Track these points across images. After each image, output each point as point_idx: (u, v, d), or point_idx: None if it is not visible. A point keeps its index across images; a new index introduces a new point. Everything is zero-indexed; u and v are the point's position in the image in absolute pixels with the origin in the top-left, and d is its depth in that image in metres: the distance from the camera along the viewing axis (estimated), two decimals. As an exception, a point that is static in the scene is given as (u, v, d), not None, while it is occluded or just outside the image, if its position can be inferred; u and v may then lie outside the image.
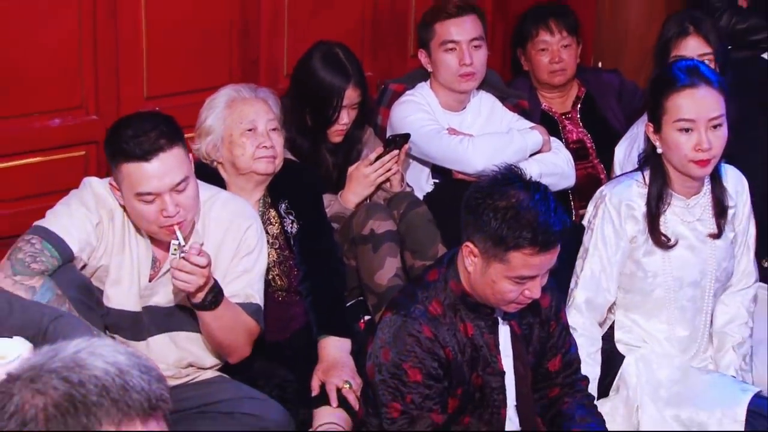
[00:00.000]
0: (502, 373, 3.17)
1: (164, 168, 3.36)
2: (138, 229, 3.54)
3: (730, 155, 4.03)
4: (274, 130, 3.94)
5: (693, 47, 4.22)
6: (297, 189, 4.03)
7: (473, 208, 3.04)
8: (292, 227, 3.97)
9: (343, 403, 3.71)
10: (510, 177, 3.06)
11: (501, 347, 3.18)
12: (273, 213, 3.99)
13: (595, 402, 3.43)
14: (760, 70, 4.80)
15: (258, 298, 3.61)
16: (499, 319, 3.17)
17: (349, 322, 3.98)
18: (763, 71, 4.86)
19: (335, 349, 3.82)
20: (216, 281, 3.41)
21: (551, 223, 2.97)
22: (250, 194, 3.96)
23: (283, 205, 3.98)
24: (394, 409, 3.08)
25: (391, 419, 3.09)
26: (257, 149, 3.88)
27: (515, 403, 3.22)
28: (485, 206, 3.00)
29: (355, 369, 3.77)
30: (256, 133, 3.89)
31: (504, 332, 3.19)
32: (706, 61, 4.22)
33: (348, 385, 3.72)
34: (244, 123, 3.88)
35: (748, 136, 4.32)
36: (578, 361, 3.41)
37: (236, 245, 3.60)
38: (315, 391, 3.75)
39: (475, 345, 3.13)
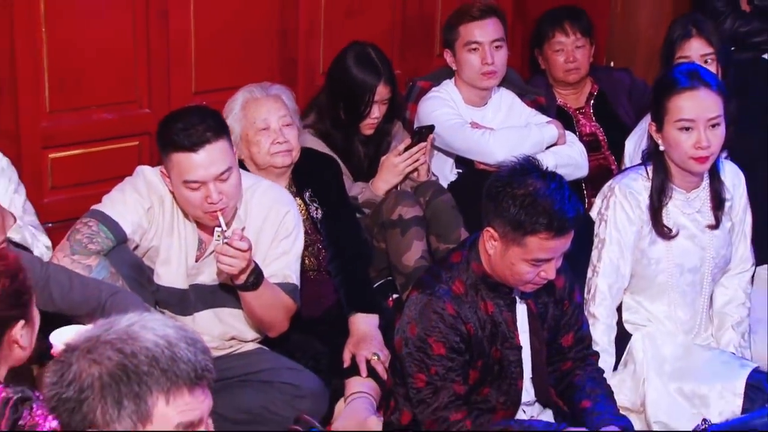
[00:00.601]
0: (519, 348, 3.18)
1: (210, 158, 3.37)
2: (185, 214, 3.56)
3: (731, 149, 4.02)
4: (287, 125, 3.92)
5: (696, 48, 4.20)
6: (319, 178, 4.03)
7: (493, 195, 3.04)
8: (316, 213, 3.98)
9: (372, 373, 3.72)
10: (528, 167, 3.06)
11: (518, 324, 3.18)
12: (299, 201, 3.99)
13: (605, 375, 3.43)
14: (762, 70, 4.76)
15: (294, 278, 3.62)
16: (517, 298, 3.18)
17: (376, 299, 3.99)
18: (765, 71, 4.83)
19: (364, 324, 3.83)
20: (256, 264, 3.42)
21: (566, 210, 2.97)
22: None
23: (308, 193, 3.99)
24: (420, 380, 3.08)
25: (416, 389, 3.10)
26: (272, 145, 3.89)
27: (531, 375, 3.23)
28: (505, 194, 3.00)
29: (382, 342, 3.79)
30: (270, 131, 3.89)
31: (521, 310, 3.19)
32: (709, 61, 4.20)
33: (376, 357, 3.73)
34: (257, 122, 3.88)
35: (750, 132, 4.30)
36: (589, 338, 3.41)
37: (275, 229, 3.61)
38: (346, 362, 3.76)
39: (495, 321, 3.13)
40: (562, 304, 3.27)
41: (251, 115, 3.88)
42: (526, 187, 2.99)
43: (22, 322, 2.52)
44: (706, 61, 4.21)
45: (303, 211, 3.98)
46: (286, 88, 4.09)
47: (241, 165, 3.89)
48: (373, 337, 3.81)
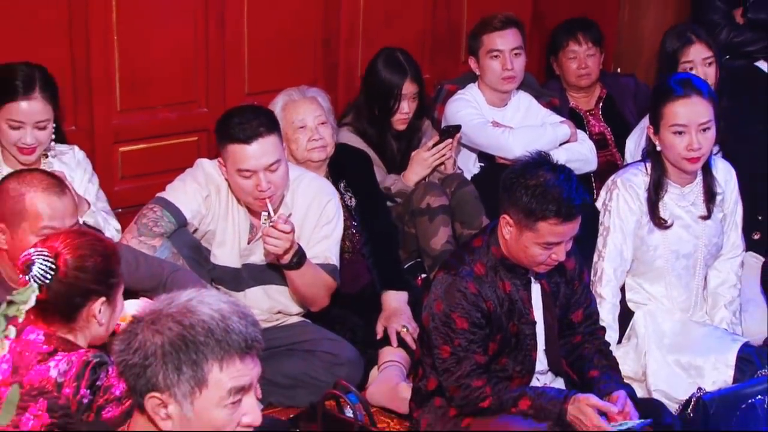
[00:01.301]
0: (534, 323, 3.17)
1: (261, 150, 3.39)
2: (239, 202, 3.57)
3: (723, 146, 4.00)
4: (322, 123, 3.92)
5: (698, 52, 4.19)
6: (352, 170, 4.04)
7: (508, 186, 3.04)
8: (351, 201, 3.99)
9: (402, 343, 3.73)
10: (539, 161, 3.07)
11: (533, 301, 3.18)
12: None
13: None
14: (754, 76, 4.72)
15: (334, 260, 3.64)
16: (532, 278, 3.17)
17: (406, 278, 3.99)
18: (757, 77, 4.78)
19: (395, 300, 3.84)
20: (300, 246, 3.43)
21: (573, 198, 2.97)
22: None
23: (342, 184, 4.00)
24: (445, 351, 3.09)
25: (442, 359, 3.10)
26: (309, 142, 3.89)
27: (544, 347, 3.22)
28: (518, 185, 3.01)
29: (411, 316, 3.79)
30: (307, 129, 3.90)
31: (536, 289, 3.19)
32: (710, 63, 4.17)
33: (405, 329, 3.74)
34: (296, 122, 3.89)
35: (743, 131, 4.26)
36: (597, 314, 3.40)
37: (318, 216, 3.62)
38: (379, 334, 3.78)
39: (512, 299, 3.13)
40: (572, 284, 3.26)
41: (290, 115, 3.89)
42: (537, 179, 2.99)
43: (103, 299, 2.55)
44: (708, 64, 4.19)
45: (340, 199, 3.99)
46: (322, 91, 4.10)
47: None
48: (403, 311, 3.82)
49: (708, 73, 4.18)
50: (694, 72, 4.10)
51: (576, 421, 2.99)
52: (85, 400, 2.44)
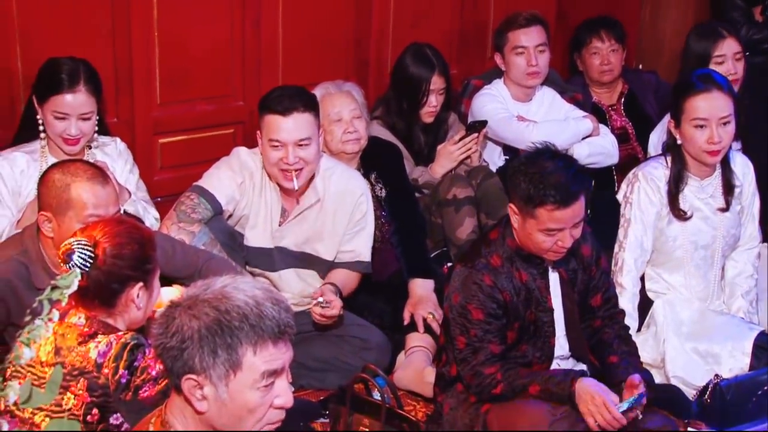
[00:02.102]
0: (551, 310, 3.15)
1: (294, 125, 3.42)
2: (271, 187, 3.57)
3: (744, 141, 3.97)
4: (356, 117, 3.93)
5: (731, 46, 4.16)
6: (384, 162, 4.03)
7: (511, 176, 3.05)
8: (381, 192, 3.99)
9: (428, 329, 3.73)
10: (541, 150, 3.05)
11: (551, 289, 3.15)
12: (366, 182, 3.99)
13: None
14: (768, 72, 4.70)
15: (366, 255, 3.69)
16: (549, 267, 3.14)
17: (432, 267, 3.98)
18: (771, 73, 4.76)
19: (421, 287, 3.84)
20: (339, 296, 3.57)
21: (569, 184, 2.94)
22: None
23: (373, 175, 3.99)
24: (461, 342, 3.08)
25: (459, 350, 3.09)
26: (344, 134, 3.89)
27: (564, 333, 3.19)
28: (519, 173, 3.00)
29: (437, 303, 3.79)
30: (342, 122, 3.90)
31: (554, 278, 3.16)
32: (739, 57, 4.13)
33: (431, 315, 3.74)
34: (332, 114, 3.88)
35: (761, 126, 4.22)
36: (615, 298, 3.37)
37: (351, 209, 3.64)
38: (406, 320, 3.77)
39: (528, 288, 3.11)
40: (590, 270, 3.23)
41: (326, 108, 3.88)
42: (536, 167, 2.98)
43: (140, 284, 2.57)
44: (738, 59, 4.15)
45: (371, 190, 3.98)
46: (357, 86, 4.10)
47: None
48: (429, 298, 3.81)
49: (738, 67, 4.14)
50: (724, 66, 4.06)
51: (583, 402, 2.96)
52: (123, 380, 2.46)
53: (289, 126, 3.42)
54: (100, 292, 2.52)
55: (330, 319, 3.51)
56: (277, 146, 3.44)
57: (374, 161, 4.01)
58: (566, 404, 2.99)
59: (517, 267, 3.09)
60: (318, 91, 3.95)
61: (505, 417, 3.03)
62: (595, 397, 2.94)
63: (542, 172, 2.95)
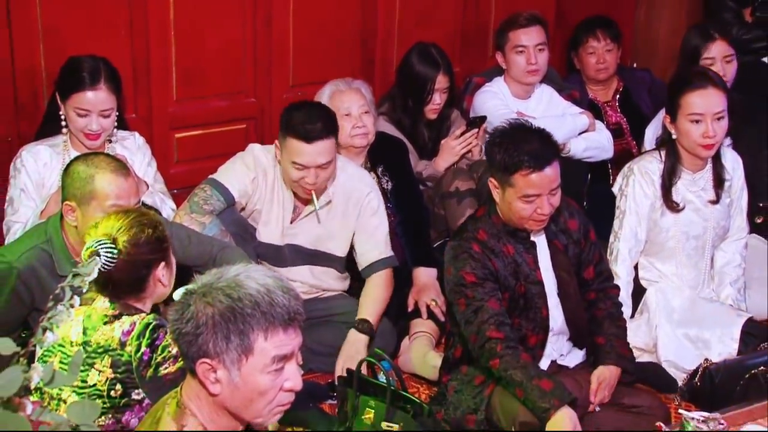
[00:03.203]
0: (540, 283, 3.12)
1: (318, 151, 3.39)
2: (283, 185, 3.58)
3: (734, 138, 3.96)
4: (365, 113, 3.90)
5: (720, 50, 4.13)
6: (390, 157, 4.02)
7: (488, 152, 3.08)
8: (387, 185, 3.98)
9: (431, 315, 3.73)
10: (513, 124, 3.07)
11: (540, 263, 3.13)
12: (373, 174, 3.99)
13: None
14: (761, 71, 4.66)
15: (388, 249, 3.68)
16: (536, 240, 3.13)
17: (435, 256, 3.97)
18: (764, 72, 4.72)
19: (425, 276, 3.84)
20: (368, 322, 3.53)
21: (541, 148, 2.97)
22: (354, 161, 3.96)
23: (380, 168, 3.99)
24: (461, 304, 3.05)
25: (461, 312, 3.07)
26: (353, 129, 3.87)
27: (558, 303, 3.16)
28: (494, 146, 3.03)
29: (440, 290, 3.78)
30: (351, 117, 3.87)
31: (542, 251, 3.14)
32: (729, 60, 4.12)
33: (434, 302, 3.74)
34: (341, 110, 3.85)
35: (750, 123, 4.21)
36: (608, 271, 3.36)
37: (359, 207, 3.63)
38: (410, 307, 3.78)
39: (516, 261, 3.09)
40: (579, 243, 3.21)
41: (336, 104, 3.87)
42: (508, 138, 3.00)
43: (163, 263, 2.62)
44: (728, 61, 4.13)
45: (378, 184, 3.98)
46: (365, 83, 4.09)
47: None
48: (432, 286, 3.81)
49: (727, 69, 4.13)
50: (713, 68, 4.04)
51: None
52: (145, 357, 2.50)
53: (313, 153, 3.39)
54: (131, 281, 2.57)
55: None
56: (299, 168, 3.43)
57: (381, 155, 4.00)
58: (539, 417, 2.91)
59: (503, 242, 3.08)
60: (328, 88, 3.94)
61: (508, 402, 3.02)
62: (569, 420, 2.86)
63: (515, 141, 2.97)
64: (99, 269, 2.46)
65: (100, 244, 2.51)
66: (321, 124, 3.40)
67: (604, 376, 3.14)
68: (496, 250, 3.07)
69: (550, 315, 3.15)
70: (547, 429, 2.88)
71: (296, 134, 3.39)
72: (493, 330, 2.99)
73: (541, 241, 3.14)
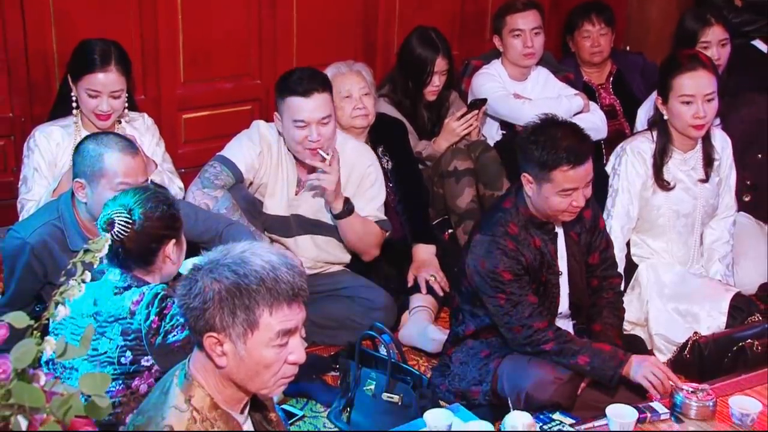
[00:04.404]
0: (559, 273, 3.13)
1: (316, 104, 3.40)
2: (288, 158, 3.56)
3: (723, 119, 3.94)
4: (365, 94, 3.88)
5: (716, 33, 4.11)
6: (390, 137, 4.01)
7: (522, 147, 3.03)
8: (387, 164, 3.97)
9: (430, 290, 3.73)
10: (546, 120, 3.04)
11: (559, 253, 3.13)
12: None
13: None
14: (751, 53, 4.63)
15: (380, 215, 3.67)
16: (558, 231, 3.13)
17: (434, 233, 3.98)
18: (753, 54, 4.69)
19: (424, 252, 3.84)
20: (348, 198, 3.48)
21: (580, 144, 2.96)
22: None
23: (381, 148, 3.98)
24: (500, 299, 3.03)
25: (499, 306, 3.04)
26: (353, 110, 3.85)
27: (568, 292, 3.18)
28: (530, 143, 2.99)
29: (438, 266, 3.80)
30: (352, 98, 3.86)
31: (561, 242, 3.14)
32: (724, 44, 4.09)
33: (433, 278, 3.73)
34: (342, 92, 3.84)
35: (740, 102, 4.18)
36: (612, 258, 3.34)
37: (361, 177, 3.63)
38: (410, 282, 3.78)
39: (542, 253, 3.08)
40: (592, 232, 3.21)
41: (338, 85, 3.86)
42: (545, 135, 2.97)
43: (173, 241, 2.62)
44: (723, 45, 4.10)
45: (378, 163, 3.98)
46: (366, 66, 4.07)
47: None
48: (431, 262, 3.81)
49: (722, 53, 4.10)
50: (709, 51, 4.02)
51: (638, 363, 2.95)
52: (154, 325, 2.51)
53: (312, 106, 3.40)
54: (141, 252, 2.57)
55: (329, 175, 3.44)
56: (301, 126, 3.42)
57: (381, 136, 3.99)
58: (605, 379, 2.97)
59: (531, 234, 3.07)
60: (330, 71, 3.92)
61: (514, 378, 3.02)
62: (649, 359, 2.95)
63: (553, 138, 2.94)
64: (112, 238, 2.49)
65: (116, 213, 2.54)
66: (314, 80, 3.44)
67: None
68: (527, 242, 3.05)
69: (561, 302, 3.16)
70: (633, 374, 2.95)
71: (293, 92, 3.41)
72: (538, 321, 3.01)
73: (560, 232, 3.14)
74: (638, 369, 2.96)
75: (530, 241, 3.07)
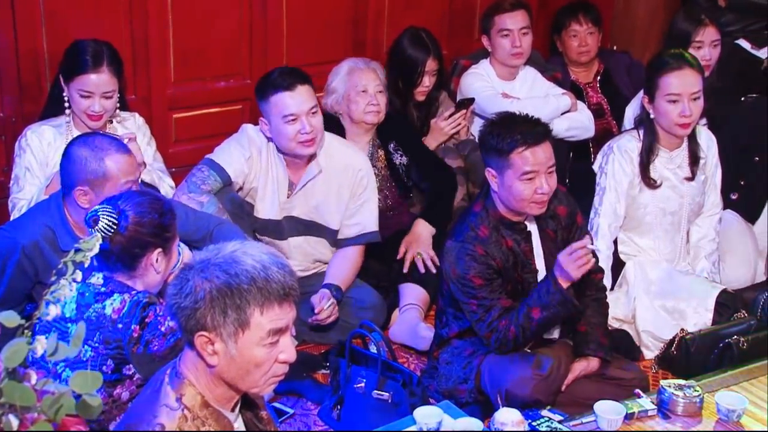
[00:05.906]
0: (536, 271, 3.13)
1: (302, 96, 3.40)
2: (278, 161, 3.55)
3: (710, 117, 3.94)
4: (380, 92, 3.91)
5: (710, 34, 4.10)
6: (399, 132, 4.02)
7: (482, 142, 3.05)
8: (401, 159, 3.97)
9: (417, 280, 3.74)
10: (501, 114, 3.06)
11: (534, 251, 3.13)
12: (381, 152, 3.98)
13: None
14: (734, 53, 4.64)
15: (372, 225, 3.67)
16: (531, 230, 3.11)
17: (443, 223, 3.94)
18: (737, 53, 4.70)
19: (422, 227, 3.87)
20: (338, 293, 3.56)
21: (533, 125, 2.96)
22: (362, 137, 3.96)
23: (392, 144, 3.97)
24: (473, 303, 3.04)
25: (472, 311, 3.05)
26: (367, 105, 3.87)
27: None
28: (487, 135, 3.01)
29: (430, 245, 3.82)
30: (367, 94, 3.87)
31: (536, 240, 3.13)
32: (716, 44, 4.09)
33: (419, 256, 3.75)
34: (359, 86, 3.86)
35: (724, 101, 4.19)
36: (594, 254, 3.33)
37: (352, 185, 3.63)
38: (400, 254, 3.81)
39: (515, 253, 3.08)
40: (569, 229, 3.18)
41: (355, 79, 3.86)
42: (499, 124, 3.00)
43: (159, 250, 2.56)
44: (715, 46, 4.11)
45: (383, 161, 3.99)
46: (380, 65, 4.08)
47: (336, 121, 3.90)
48: (424, 239, 3.84)
49: (713, 53, 4.10)
50: (701, 51, 4.02)
51: (572, 267, 2.94)
52: (135, 334, 2.47)
53: (299, 98, 3.41)
54: (123, 255, 2.53)
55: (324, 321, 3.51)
56: (292, 120, 3.41)
57: (390, 132, 3.99)
58: (563, 306, 2.97)
59: (502, 235, 3.06)
60: (346, 64, 3.94)
61: (497, 372, 3.02)
62: (565, 254, 2.93)
63: (507, 126, 2.97)
64: (98, 234, 2.45)
65: (103, 211, 2.50)
66: (295, 74, 3.44)
67: (582, 367, 3.12)
68: (498, 244, 3.04)
69: None
70: (566, 277, 2.94)
71: (278, 87, 3.41)
72: (501, 321, 3.02)
73: (534, 230, 3.13)
74: (563, 271, 2.94)
75: (502, 242, 3.05)
